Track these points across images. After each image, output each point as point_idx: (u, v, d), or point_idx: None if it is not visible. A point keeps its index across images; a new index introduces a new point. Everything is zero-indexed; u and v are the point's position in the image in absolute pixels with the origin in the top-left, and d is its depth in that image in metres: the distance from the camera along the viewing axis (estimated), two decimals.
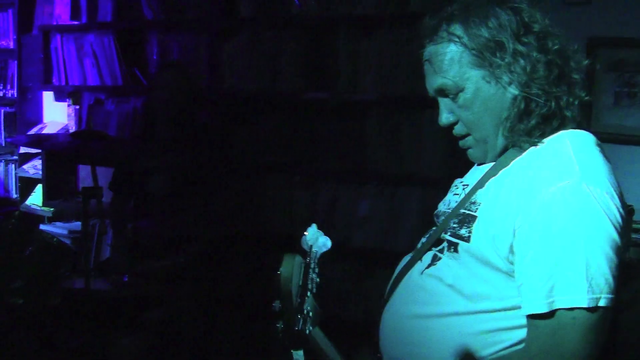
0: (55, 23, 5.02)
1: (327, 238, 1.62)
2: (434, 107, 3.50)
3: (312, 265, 1.57)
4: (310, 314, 1.53)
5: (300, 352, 1.54)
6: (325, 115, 3.85)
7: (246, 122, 4.09)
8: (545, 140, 1.63)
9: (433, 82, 1.70)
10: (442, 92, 1.70)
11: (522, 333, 1.56)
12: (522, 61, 1.60)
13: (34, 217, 5.04)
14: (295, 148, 3.94)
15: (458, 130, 1.73)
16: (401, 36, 3.56)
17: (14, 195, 5.45)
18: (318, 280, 1.56)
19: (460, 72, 1.65)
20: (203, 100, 4.10)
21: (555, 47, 1.63)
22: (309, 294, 1.54)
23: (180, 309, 3.16)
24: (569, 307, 1.46)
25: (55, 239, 2.84)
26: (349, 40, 3.72)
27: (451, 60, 1.65)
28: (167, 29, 4.38)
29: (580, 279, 1.45)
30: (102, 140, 2.99)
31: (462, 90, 1.66)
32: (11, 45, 5.40)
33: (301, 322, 1.52)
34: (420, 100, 3.55)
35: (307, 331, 1.52)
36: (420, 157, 3.59)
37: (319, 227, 1.65)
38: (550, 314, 1.48)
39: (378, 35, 3.63)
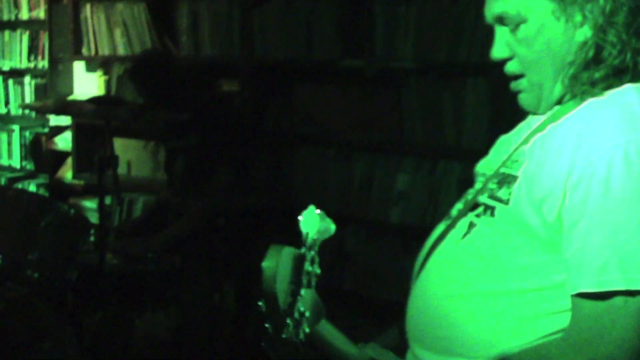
0: None
1: (330, 221, 1.35)
2: (477, 76, 3.35)
3: (309, 257, 1.33)
4: (307, 313, 1.29)
5: None
6: (361, 84, 3.68)
7: (279, 92, 3.95)
8: (607, 92, 1.40)
9: (493, 6, 1.46)
10: (502, 20, 1.46)
11: (567, 319, 1.35)
12: (601, 0, 1.38)
13: (64, 191, 4.96)
14: (330, 118, 3.78)
15: (511, 67, 1.49)
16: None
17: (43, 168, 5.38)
18: (319, 272, 1.32)
19: (526, 0, 1.42)
20: (234, 70, 3.97)
21: None
22: (303, 291, 1.28)
23: (204, 285, 3.03)
24: (624, 289, 1.25)
25: (72, 211, 2.71)
26: (386, 4, 3.54)
27: None
28: None
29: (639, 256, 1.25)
30: (121, 105, 2.86)
31: (524, 21, 1.42)
32: (42, 15, 5.32)
33: (291, 327, 1.28)
34: (461, 69, 3.39)
35: (301, 336, 1.26)
36: (462, 129, 3.40)
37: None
38: (600, 295, 1.27)
39: None
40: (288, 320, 1.28)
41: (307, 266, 1.28)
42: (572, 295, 1.32)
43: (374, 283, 3.64)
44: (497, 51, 1.48)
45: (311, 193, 3.79)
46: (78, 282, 2.67)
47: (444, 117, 3.45)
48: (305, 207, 1.35)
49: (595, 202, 1.29)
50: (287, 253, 1.32)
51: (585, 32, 1.40)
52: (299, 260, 1.30)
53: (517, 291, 1.40)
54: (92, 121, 4.26)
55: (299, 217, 1.32)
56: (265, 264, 1.30)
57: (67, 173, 5.04)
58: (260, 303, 1.32)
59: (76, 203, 4.80)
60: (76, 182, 4.91)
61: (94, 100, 2.85)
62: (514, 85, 1.51)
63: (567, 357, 1.31)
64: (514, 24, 1.44)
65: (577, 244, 1.31)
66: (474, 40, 3.29)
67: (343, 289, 3.71)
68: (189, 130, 3.27)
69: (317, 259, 1.29)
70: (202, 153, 3.25)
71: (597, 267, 1.28)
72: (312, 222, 1.31)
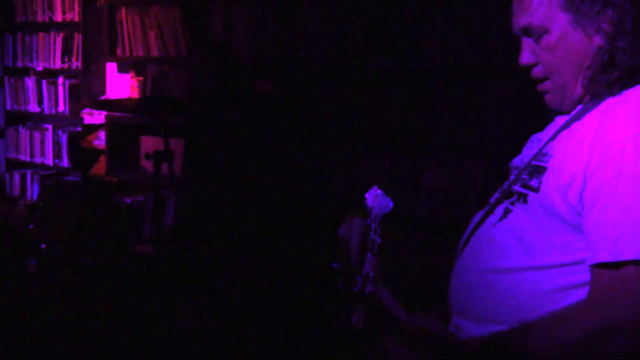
0: None
1: (389, 199, 1.60)
2: (501, 76, 3.48)
3: (372, 227, 1.56)
4: (371, 274, 1.52)
5: (360, 313, 1.54)
6: (390, 84, 3.81)
7: (311, 92, 4.08)
8: (624, 92, 1.58)
9: (519, 20, 1.67)
10: (527, 31, 1.66)
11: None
12: (610, 12, 1.56)
13: (97, 187, 5.10)
14: (360, 117, 3.92)
15: (537, 72, 1.69)
16: (469, 2, 3.51)
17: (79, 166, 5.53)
18: (379, 241, 1.54)
19: (548, 13, 1.61)
20: (267, 71, 4.10)
21: None
22: (369, 254, 1.53)
23: (245, 277, 3.17)
24: (635, 259, 1.41)
25: (125, 204, 2.87)
26: (415, 9, 3.68)
27: (540, 1, 1.62)
28: None
29: None
30: (172, 103, 3.00)
31: (547, 32, 1.62)
32: (76, 18, 5.48)
33: (360, 283, 1.51)
34: (487, 69, 3.53)
35: (367, 292, 1.51)
36: (486, 128, 3.55)
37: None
38: (615, 265, 1.43)
39: (444, 1, 3.59)
40: (357, 277, 1.52)
41: (372, 235, 1.51)
42: (591, 266, 1.49)
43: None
44: (525, 58, 1.69)
45: (341, 189, 3.92)
46: (129, 271, 2.83)
47: (469, 117, 3.59)
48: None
49: (609, 186, 1.46)
50: (358, 223, 1.57)
51: (598, 40, 1.58)
52: (366, 229, 1.53)
53: (548, 266, 1.57)
54: (126, 119, 4.43)
55: (365, 195, 1.57)
56: (341, 230, 1.58)
57: (100, 170, 5.20)
58: (334, 265, 1.55)
59: None
60: (108, 179, 5.07)
61: (146, 100, 2.99)
62: (539, 87, 1.71)
63: (584, 319, 1.45)
64: (538, 34, 1.64)
65: (594, 222, 1.48)
66: (500, 43, 3.43)
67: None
68: (225, 128, 3.41)
69: (378, 230, 1.53)
70: (237, 149, 3.39)
71: (611, 241, 1.44)
72: (375, 199, 1.56)
